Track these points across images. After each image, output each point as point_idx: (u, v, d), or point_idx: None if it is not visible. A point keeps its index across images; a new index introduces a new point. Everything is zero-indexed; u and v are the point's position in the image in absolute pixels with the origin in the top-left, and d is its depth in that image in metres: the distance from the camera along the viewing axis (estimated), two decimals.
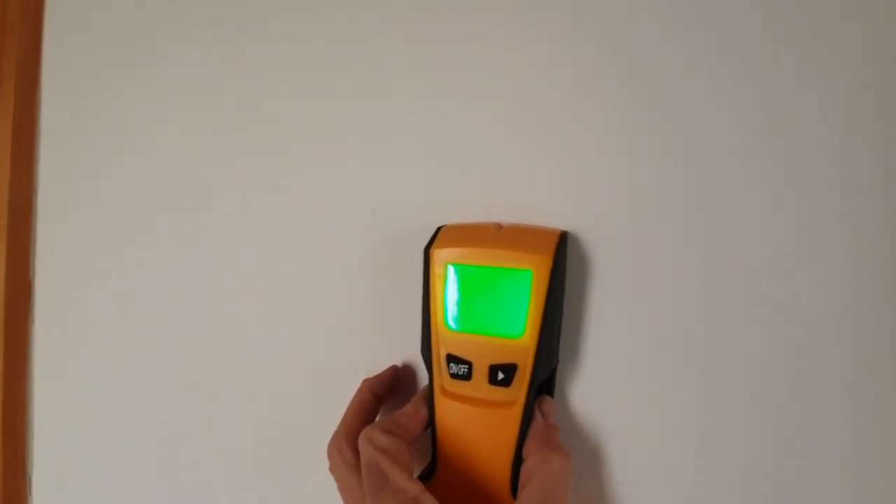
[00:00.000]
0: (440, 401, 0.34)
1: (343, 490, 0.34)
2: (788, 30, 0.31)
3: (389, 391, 0.38)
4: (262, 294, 0.44)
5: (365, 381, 0.38)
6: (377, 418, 0.37)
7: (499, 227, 0.35)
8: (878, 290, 0.30)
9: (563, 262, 0.33)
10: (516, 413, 0.32)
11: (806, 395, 0.31)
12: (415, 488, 0.30)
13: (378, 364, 0.39)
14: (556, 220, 0.35)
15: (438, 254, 0.34)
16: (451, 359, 0.34)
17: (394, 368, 0.39)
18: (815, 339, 0.31)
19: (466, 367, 0.33)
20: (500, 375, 0.32)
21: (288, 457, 0.43)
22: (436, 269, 0.34)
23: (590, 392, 0.35)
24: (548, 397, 0.34)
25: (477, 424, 0.33)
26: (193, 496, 0.47)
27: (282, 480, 0.44)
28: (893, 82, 0.29)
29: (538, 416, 0.33)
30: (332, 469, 0.35)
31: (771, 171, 0.31)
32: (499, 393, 0.33)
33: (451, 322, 0.34)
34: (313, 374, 0.42)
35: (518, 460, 0.32)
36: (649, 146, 0.34)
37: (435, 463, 0.34)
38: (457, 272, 0.34)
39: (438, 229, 0.36)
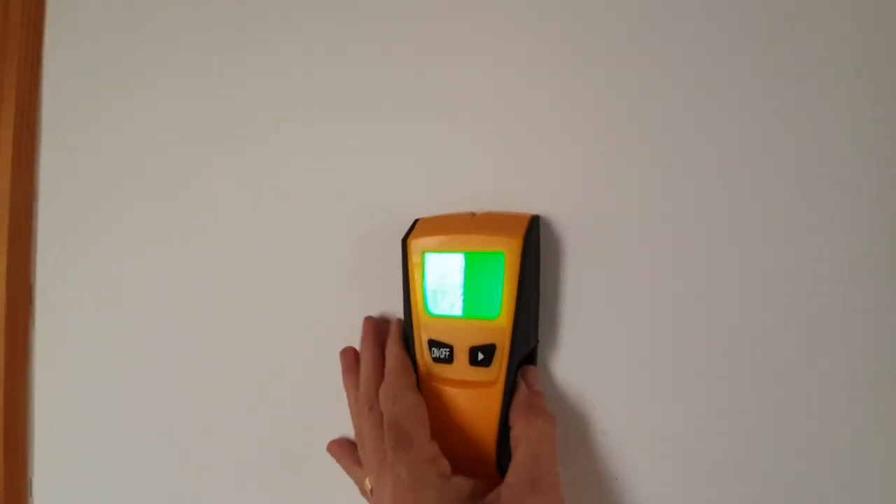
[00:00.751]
0: (425, 384, 0.35)
1: (369, 450, 0.35)
2: (765, 21, 0.32)
3: (384, 341, 0.39)
4: (260, 294, 0.45)
5: (367, 342, 0.38)
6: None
7: (472, 215, 0.36)
8: (856, 270, 0.31)
9: (534, 243, 0.35)
10: (497, 391, 0.33)
11: (767, 354, 0.32)
12: (434, 448, 0.32)
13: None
14: (533, 208, 0.37)
15: (415, 244, 0.36)
16: (433, 343, 0.35)
17: (373, 321, 0.39)
18: (777, 308, 0.32)
19: (447, 350, 0.34)
20: (480, 356, 0.34)
21: (287, 451, 0.44)
22: (413, 259, 0.35)
23: (570, 365, 0.36)
24: (532, 367, 0.35)
25: (461, 405, 0.34)
26: (194, 496, 0.48)
27: (283, 477, 0.45)
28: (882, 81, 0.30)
29: (522, 386, 0.34)
30: (360, 426, 0.36)
31: (749, 155, 0.32)
32: (480, 373, 0.34)
33: (430, 308, 0.35)
34: (310, 372, 0.44)
35: (504, 435, 0.33)
36: (620, 132, 0.35)
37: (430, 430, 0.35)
38: (432, 260, 0.35)
39: (416, 221, 0.37)
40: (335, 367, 0.41)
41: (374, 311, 0.41)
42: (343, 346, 0.41)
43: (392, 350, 0.36)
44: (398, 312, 0.40)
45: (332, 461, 0.41)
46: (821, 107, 0.31)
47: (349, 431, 0.41)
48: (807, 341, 0.31)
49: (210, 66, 0.48)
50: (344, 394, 0.40)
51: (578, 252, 0.36)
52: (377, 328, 0.39)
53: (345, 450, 0.40)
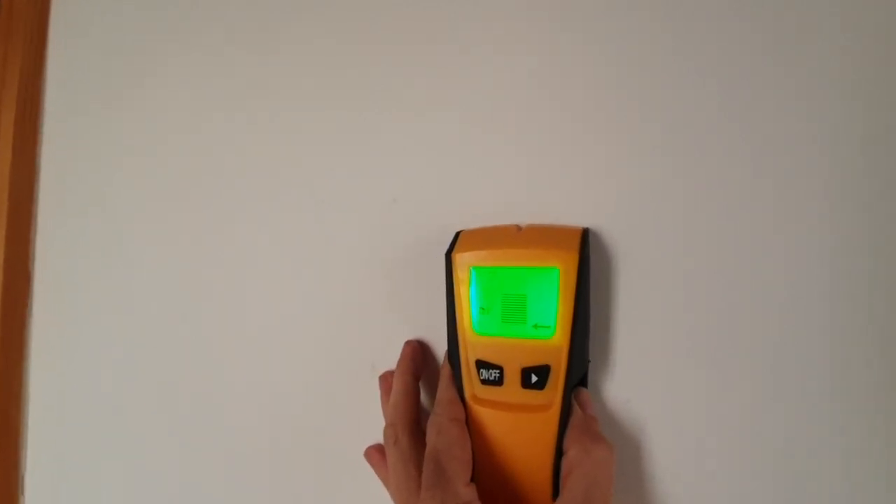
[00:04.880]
0: (472, 408, 0.33)
1: (394, 483, 0.34)
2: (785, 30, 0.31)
3: (422, 370, 0.38)
4: (271, 286, 0.43)
5: (401, 368, 0.37)
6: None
7: (518, 228, 0.35)
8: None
9: (587, 258, 0.33)
10: (553, 415, 0.31)
11: (840, 387, 0.30)
12: (469, 494, 0.30)
13: (396, 356, 0.38)
14: (576, 219, 0.35)
15: (461, 258, 0.34)
16: (481, 364, 0.33)
17: (413, 346, 0.38)
18: (845, 331, 0.30)
19: (497, 371, 0.32)
20: (534, 378, 0.32)
21: (300, 455, 0.42)
22: (459, 274, 0.33)
23: (622, 387, 0.34)
24: (583, 389, 0.33)
25: (513, 430, 0.32)
26: (193, 498, 0.45)
27: (293, 479, 0.42)
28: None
29: (576, 408, 0.32)
30: (385, 458, 0.35)
31: (797, 157, 0.31)
32: (533, 396, 0.32)
33: (478, 327, 0.33)
34: (327, 367, 0.41)
35: (559, 460, 0.31)
36: (661, 141, 0.34)
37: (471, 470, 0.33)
38: (481, 275, 0.33)
39: (458, 234, 0.35)
40: (357, 363, 0.39)
41: (403, 307, 0.39)
42: (366, 341, 0.39)
43: (444, 381, 0.34)
44: (427, 309, 0.37)
45: (346, 475, 0.39)
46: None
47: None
48: (878, 360, 0.30)
49: (228, 50, 0.45)
50: (361, 406, 0.39)
51: (629, 266, 0.34)
52: (415, 356, 0.37)
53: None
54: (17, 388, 0.53)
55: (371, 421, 0.39)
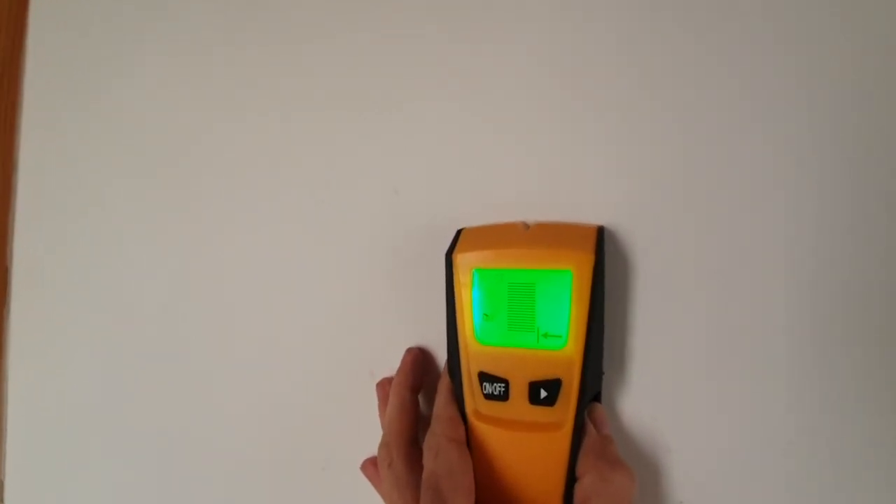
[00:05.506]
0: (474, 426, 0.30)
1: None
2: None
3: (421, 382, 0.34)
4: (266, 284, 0.40)
5: (399, 379, 0.34)
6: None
7: (526, 226, 0.31)
8: None
9: (602, 259, 0.29)
10: (564, 435, 0.28)
11: (871, 398, 0.27)
12: None
13: (395, 361, 0.35)
14: (588, 215, 0.32)
15: (463, 259, 0.30)
16: (484, 377, 0.29)
17: (413, 354, 0.35)
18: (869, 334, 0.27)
19: (503, 385, 0.29)
20: (543, 393, 0.28)
21: (296, 463, 0.39)
22: (461, 277, 0.30)
23: (640, 401, 0.31)
24: (598, 405, 0.30)
25: (519, 451, 0.29)
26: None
27: (288, 487, 0.39)
28: None
29: (591, 429, 0.29)
30: (377, 484, 0.33)
31: (822, 152, 0.28)
32: (542, 413, 0.28)
33: (481, 335, 0.30)
34: (325, 372, 0.38)
35: (571, 486, 0.28)
36: (682, 132, 0.30)
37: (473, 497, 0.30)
38: (484, 278, 0.30)
39: (459, 232, 0.32)
40: (356, 368, 0.37)
41: (403, 310, 0.36)
42: (365, 345, 0.37)
43: (442, 395, 0.31)
44: (428, 312, 0.34)
45: (344, 483, 0.36)
46: None
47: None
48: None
49: (223, 40, 0.42)
50: (359, 414, 0.36)
51: (647, 267, 0.31)
52: (414, 366, 0.34)
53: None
54: None
55: (370, 428, 0.36)
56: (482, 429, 0.29)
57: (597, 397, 0.30)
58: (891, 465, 0.27)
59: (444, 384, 0.31)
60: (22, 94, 0.51)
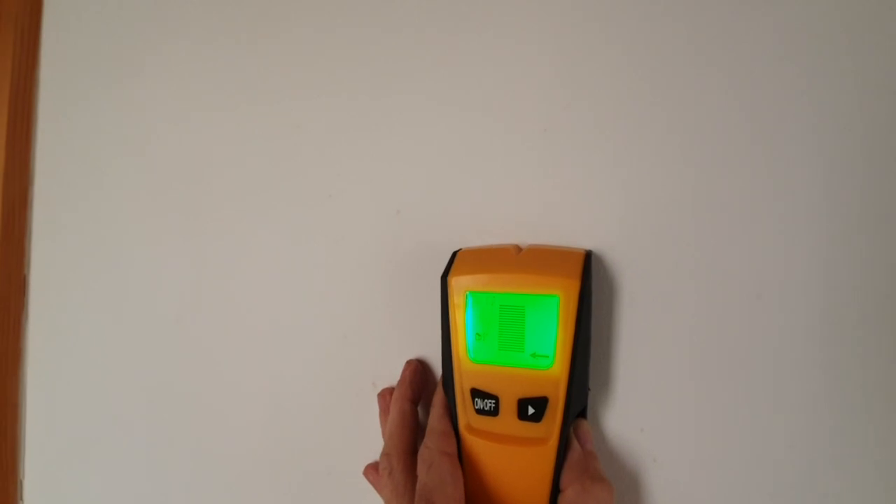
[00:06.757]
0: (466, 439, 0.32)
1: None
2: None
3: (421, 393, 0.36)
4: (271, 295, 0.42)
5: (400, 391, 0.36)
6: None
7: (518, 249, 0.33)
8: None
9: (589, 284, 0.31)
10: (550, 450, 0.30)
11: (858, 411, 0.29)
12: None
13: (396, 372, 0.37)
14: (579, 238, 0.33)
15: (457, 282, 0.32)
16: (476, 393, 0.31)
17: (413, 367, 0.36)
18: (859, 349, 0.29)
19: (493, 401, 0.31)
20: (531, 410, 0.30)
21: (299, 470, 0.41)
22: (455, 299, 0.32)
23: (624, 419, 0.33)
24: (583, 421, 0.32)
25: (507, 463, 0.31)
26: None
27: (291, 494, 0.41)
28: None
29: (574, 444, 0.30)
30: (378, 487, 0.34)
31: (803, 179, 0.29)
32: (529, 429, 0.30)
33: (473, 354, 0.32)
34: (327, 383, 0.40)
35: (555, 498, 0.30)
36: (671, 159, 0.32)
37: None
38: (477, 300, 0.31)
39: (454, 254, 0.34)
40: (358, 380, 0.38)
41: (404, 323, 0.38)
42: (367, 357, 0.38)
43: (437, 409, 0.33)
44: (429, 325, 0.36)
45: (346, 491, 0.38)
46: None
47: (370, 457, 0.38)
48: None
49: (229, 44, 0.44)
50: (362, 423, 0.38)
51: (632, 289, 0.33)
52: (414, 378, 0.36)
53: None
54: (14, 394, 0.52)
55: (372, 438, 0.38)
56: (473, 442, 0.31)
57: (583, 412, 0.32)
58: (876, 480, 0.29)
59: (438, 398, 0.33)
60: (37, 106, 0.52)
